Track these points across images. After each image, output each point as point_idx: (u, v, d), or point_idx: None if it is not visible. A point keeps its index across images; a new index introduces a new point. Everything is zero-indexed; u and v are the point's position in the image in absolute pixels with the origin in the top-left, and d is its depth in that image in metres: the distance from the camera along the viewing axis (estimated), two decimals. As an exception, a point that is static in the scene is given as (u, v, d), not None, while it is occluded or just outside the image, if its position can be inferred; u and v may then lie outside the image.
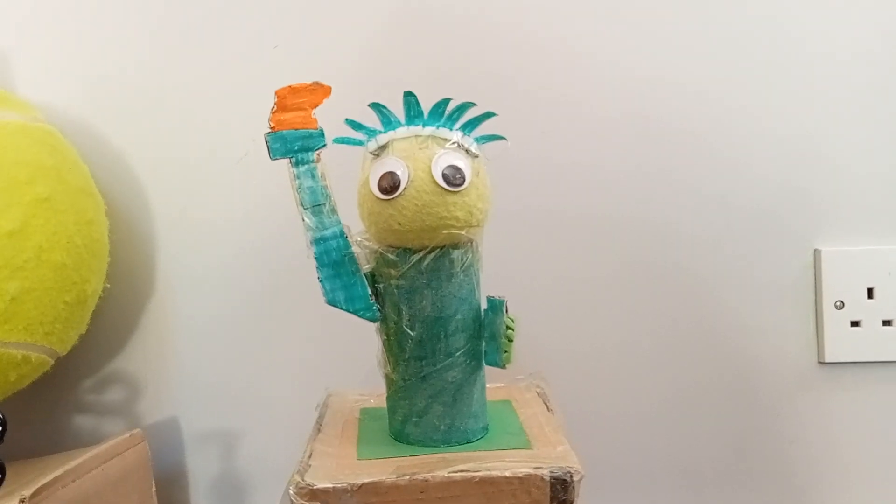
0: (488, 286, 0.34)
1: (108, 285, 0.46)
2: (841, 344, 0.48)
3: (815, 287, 0.48)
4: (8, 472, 0.35)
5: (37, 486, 0.34)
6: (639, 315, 0.49)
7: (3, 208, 0.38)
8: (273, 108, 0.31)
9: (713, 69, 0.48)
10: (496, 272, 0.36)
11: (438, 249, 0.32)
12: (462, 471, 0.30)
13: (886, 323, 0.48)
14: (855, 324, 0.48)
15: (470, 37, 0.48)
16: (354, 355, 0.41)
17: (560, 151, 0.48)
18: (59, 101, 0.49)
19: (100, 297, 0.45)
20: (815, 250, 0.48)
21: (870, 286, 0.48)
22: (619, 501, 0.49)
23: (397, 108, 0.33)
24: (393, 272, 0.33)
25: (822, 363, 0.48)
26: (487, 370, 0.35)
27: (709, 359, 0.49)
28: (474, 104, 0.32)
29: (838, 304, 0.48)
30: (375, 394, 0.39)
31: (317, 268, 0.32)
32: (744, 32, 0.47)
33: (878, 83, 0.48)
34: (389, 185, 0.31)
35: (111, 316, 0.49)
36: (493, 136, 0.33)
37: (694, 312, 0.48)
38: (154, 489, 0.45)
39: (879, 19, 0.47)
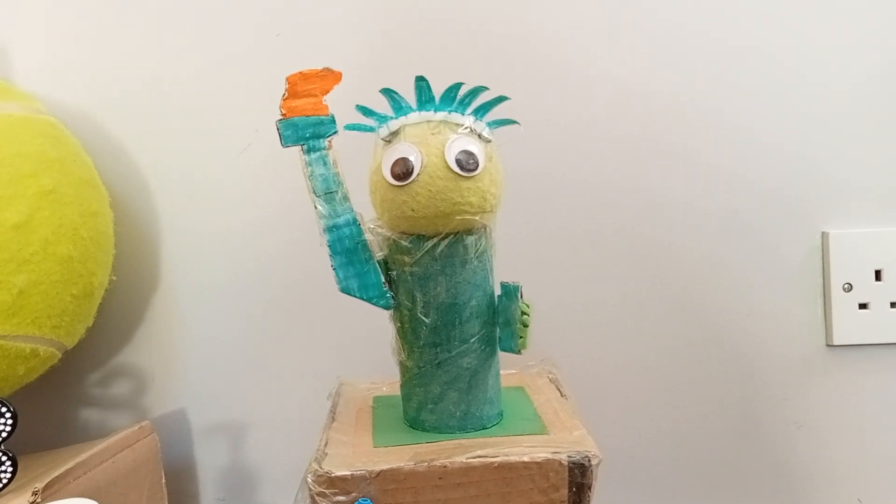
0: (502, 272, 0.34)
1: (115, 277, 0.46)
2: (849, 326, 0.48)
3: (823, 269, 0.48)
4: (19, 466, 0.35)
5: (49, 479, 0.34)
6: (648, 299, 0.48)
7: (8, 201, 0.37)
8: (284, 94, 0.31)
9: (723, 52, 0.47)
10: (510, 258, 0.36)
11: (452, 235, 0.32)
12: (480, 456, 0.30)
13: (894, 305, 0.48)
14: (863, 306, 0.48)
15: (480, 20, 0.48)
16: (364, 344, 0.41)
17: (570, 135, 0.48)
18: (62, 92, 0.48)
19: (106, 290, 0.45)
20: (823, 233, 0.48)
21: (878, 268, 0.48)
22: (628, 485, 0.49)
23: (408, 94, 0.32)
24: (406, 259, 0.32)
25: (830, 346, 0.48)
26: (499, 357, 0.35)
27: (717, 342, 0.49)
28: (486, 88, 0.32)
29: (846, 286, 0.48)
30: (388, 382, 0.39)
31: (330, 255, 0.32)
32: (756, 18, 0.47)
33: (885, 68, 0.47)
34: (402, 171, 0.31)
35: (118, 308, 0.49)
36: (505, 120, 0.33)
37: (702, 296, 0.48)
38: (164, 481, 0.45)
39: (888, 5, 0.47)
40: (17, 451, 0.35)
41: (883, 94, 0.48)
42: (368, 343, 0.38)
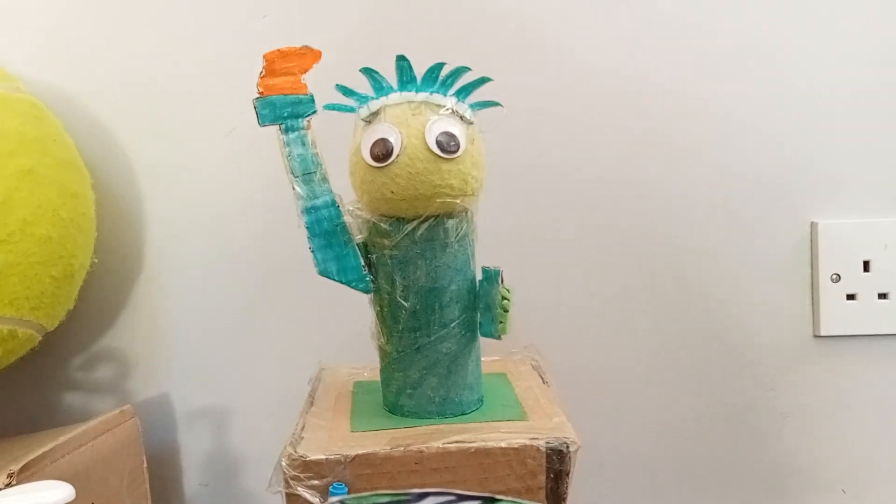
0: (483, 256, 0.34)
1: (96, 260, 0.45)
2: (837, 317, 0.48)
3: (812, 260, 0.48)
4: (-4, 448, 0.35)
5: (25, 462, 0.33)
6: (634, 288, 0.48)
7: (-15, 180, 0.37)
8: (261, 72, 0.31)
9: (713, 43, 0.47)
10: (491, 242, 0.35)
11: (432, 218, 0.32)
12: (457, 442, 0.29)
13: (882, 296, 0.47)
14: (851, 297, 0.48)
15: (471, 3, 0.47)
16: (348, 328, 0.41)
17: (557, 118, 0.47)
18: (44, 73, 0.48)
19: (88, 272, 0.45)
20: (812, 223, 0.48)
21: (866, 259, 0.47)
22: (612, 473, 0.49)
23: (390, 74, 0.32)
24: (386, 242, 0.32)
25: (817, 337, 0.48)
26: (482, 344, 0.35)
27: (704, 332, 0.48)
28: (469, 69, 0.31)
29: (834, 277, 0.47)
30: (369, 367, 0.39)
31: (308, 238, 0.32)
32: (745, 10, 0.47)
33: (875, 59, 0.47)
34: (382, 152, 0.30)
35: (100, 291, 0.48)
36: (488, 102, 0.33)
37: (689, 285, 0.48)
38: (145, 465, 0.44)
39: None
40: (-5, 433, 0.35)
41: (873, 84, 0.47)
42: (354, 327, 0.38)
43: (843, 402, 0.48)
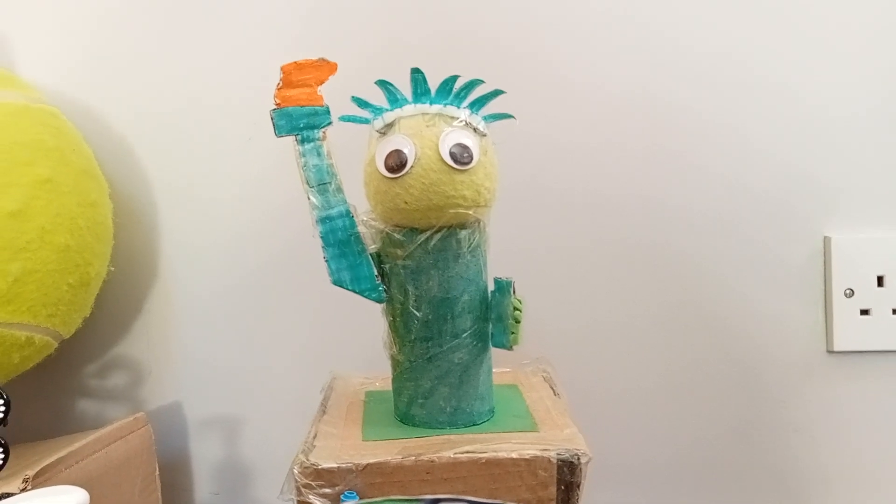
0: (496, 267, 0.34)
1: (112, 269, 0.46)
2: (850, 332, 0.47)
3: (825, 274, 0.48)
4: (11, 454, 0.35)
5: (40, 467, 0.34)
6: (646, 301, 0.48)
7: (4, 189, 0.37)
8: (278, 84, 0.31)
9: (723, 53, 0.47)
10: (504, 253, 0.36)
11: (445, 229, 0.32)
12: (468, 452, 0.29)
13: (896, 311, 0.47)
14: (864, 312, 0.47)
15: (478, 13, 0.47)
16: (360, 338, 0.41)
17: (570, 130, 0.48)
18: (63, 82, 0.49)
19: (104, 281, 0.45)
20: (825, 237, 0.48)
21: (880, 274, 0.47)
22: (623, 487, 0.49)
23: (404, 86, 0.32)
24: (399, 252, 0.32)
25: (830, 352, 0.48)
26: (493, 354, 0.35)
27: (716, 346, 0.48)
28: (482, 81, 0.32)
29: (848, 291, 0.47)
30: (380, 377, 0.39)
31: (322, 247, 0.32)
32: (756, 23, 0.47)
33: (886, 71, 0.47)
34: (396, 163, 0.31)
35: (115, 300, 0.49)
36: (501, 114, 0.33)
37: (702, 299, 0.48)
38: (157, 472, 0.45)
39: (885, 10, 0.47)
40: (12, 440, 0.36)
41: (885, 97, 0.47)
42: (366, 337, 0.38)
43: (855, 418, 0.48)
